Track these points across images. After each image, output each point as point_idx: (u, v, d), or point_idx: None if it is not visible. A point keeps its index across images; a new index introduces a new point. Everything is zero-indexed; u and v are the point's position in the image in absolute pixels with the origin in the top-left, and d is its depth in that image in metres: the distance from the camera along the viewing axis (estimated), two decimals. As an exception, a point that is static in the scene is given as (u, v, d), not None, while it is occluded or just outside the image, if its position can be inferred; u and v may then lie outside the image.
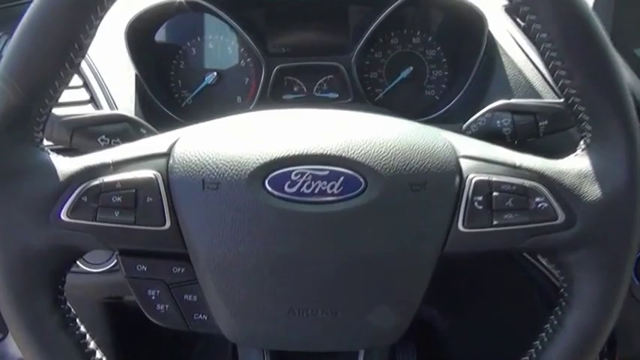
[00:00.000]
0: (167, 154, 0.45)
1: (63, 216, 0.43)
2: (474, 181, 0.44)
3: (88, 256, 0.71)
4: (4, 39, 0.85)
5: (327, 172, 0.43)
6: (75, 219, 0.43)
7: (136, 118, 0.59)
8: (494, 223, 0.44)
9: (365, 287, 0.44)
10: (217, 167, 0.43)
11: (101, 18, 0.45)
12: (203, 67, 0.84)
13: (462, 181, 0.44)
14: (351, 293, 0.45)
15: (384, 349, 0.56)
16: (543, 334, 0.47)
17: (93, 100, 0.71)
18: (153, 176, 0.44)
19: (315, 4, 0.82)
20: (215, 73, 0.83)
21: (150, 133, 0.58)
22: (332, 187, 0.43)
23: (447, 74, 0.83)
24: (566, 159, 0.46)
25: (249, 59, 0.83)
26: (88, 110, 0.70)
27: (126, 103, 0.72)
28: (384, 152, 0.43)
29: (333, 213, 0.42)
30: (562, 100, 0.47)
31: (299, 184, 0.42)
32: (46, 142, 0.47)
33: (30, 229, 0.43)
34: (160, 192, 0.44)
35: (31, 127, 0.45)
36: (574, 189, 0.44)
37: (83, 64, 0.73)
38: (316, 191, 0.42)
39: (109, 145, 0.55)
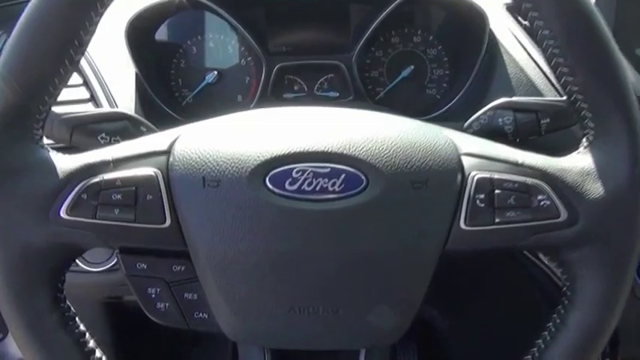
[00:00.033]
0: (167, 152, 0.45)
1: (62, 214, 0.43)
2: (475, 178, 0.44)
3: (88, 256, 0.71)
4: (4, 38, 0.85)
5: (329, 169, 0.42)
6: (75, 217, 0.43)
7: (136, 115, 0.59)
8: (497, 220, 0.43)
9: (366, 285, 0.44)
10: (218, 165, 0.43)
11: (101, 15, 0.44)
12: (203, 65, 0.84)
13: (464, 178, 0.44)
14: (352, 291, 0.44)
15: (386, 349, 0.56)
16: (546, 333, 0.47)
17: (93, 99, 0.71)
18: (153, 174, 0.44)
19: (316, 3, 0.82)
20: (215, 72, 0.83)
21: (150, 131, 0.58)
22: (333, 184, 0.42)
23: (448, 73, 0.83)
24: (568, 156, 0.46)
25: (249, 58, 0.83)
26: (88, 109, 0.70)
27: (126, 102, 0.72)
28: (386, 150, 0.43)
29: (335, 210, 0.42)
30: (564, 97, 0.47)
31: (300, 182, 0.42)
32: (46, 141, 0.47)
33: (29, 226, 0.43)
34: (160, 189, 0.43)
35: (31, 125, 0.44)
36: (576, 186, 0.44)
37: (83, 63, 0.73)
38: (317, 189, 0.42)
39: (109, 143, 0.55)
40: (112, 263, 0.71)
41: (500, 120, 0.57)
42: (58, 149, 0.46)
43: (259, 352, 0.55)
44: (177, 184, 0.43)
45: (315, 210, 0.42)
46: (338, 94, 0.83)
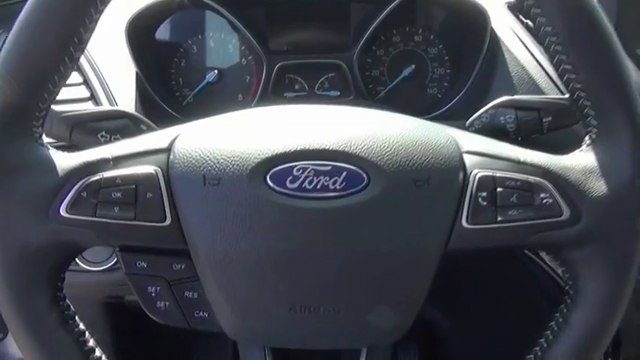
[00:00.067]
0: (167, 150, 0.44)
1: (62, 212, 0.43)
2: (477, 176, 0.43)
3: (87, 255, 0.71)
4: (4, 37, 0.85)
5: (330, 167, 0.42)
6: (74, 215, 0.43)
7: (136, 114, 0.59)
8: (499, 219, 0.43)
9: (368, 284, 0.44)
10: (218, 162, 0.43)
11: (101, 12, 0.44)
12: (204, 65, 0.84)
13: (466, 176, 0.44)
14: (353, 290, 0.44)
15: (387, 348, 0.56)
16: (548, 332, 0.47)
17: (93, 98, 0.71)
18: (153, 172, 0.43)
19: (317, 2, 0.82)
20: (216, 71, 0.83)
21: (150, 129, 0.58)
22: (334, 182, 0.42)
23: (449, 72, 0.83)
24: (571, 154, 0.46)
25: (250, 57, 0.83)
26: (89, 107, 0.70)
27: (126, 101, 0.72)
28: (387, 148, 0.43)
29: (336, 209, 0.42)
30: (566, 96, 0.47)
31: (301, 180, 0.42)
32: (46, 139, 0.46)
33: (29, 225, 0.43)
34: (161, 188, 0.43)
35: (30, 123, 0.44)
36: (579, 185, 0.43)
37: (83, 61, 0.73)
38: (318, 187, 0.42)
39: (109, 142, 0.54)
40: (112, 262, 0.71)
41: (502, 118, 0.57)
42: (58, 148, 0.46)
43: (260, 352, 0.54)
44: (177, 182, 0.43)
45: (316, 208, 0.42)
46: (339, 93, 0.82)
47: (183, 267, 0.46)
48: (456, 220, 0.43)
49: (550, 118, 0.56)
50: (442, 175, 0.43)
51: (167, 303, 0.47)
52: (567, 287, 0.46)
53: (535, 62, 0.73)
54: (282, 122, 0.46)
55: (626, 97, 0.43)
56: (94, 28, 0.44)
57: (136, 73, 0.75)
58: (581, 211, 0.43)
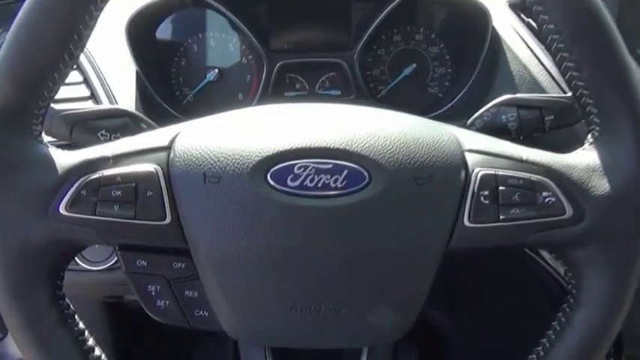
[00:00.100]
0: (168, 148, 0.44)
1: (62, 210, 0.43)
2: (479, 175, 0.43)
3: (87, 254, 0.71)
4: (4, 36, 0.84)
5: (331, 165, 0.42)
6: (74, 213, 0.43)
7: (136, 112, 0.59)
8: (501, 217, 0.43)
9: (369, 283, 0.44)
10: (219, 161, 0.42)
11: (101, 9, 0.44)
12: (204, 64, 0.83)
13: (468, 175, 0.43)
14: (354, 289, 0.44)
15: (388, 347, 0.55)
16: (551, 332, 0.46)
17: (93, 97, 0.71)
18: (153, 170, 0.43)
19: (318, 1, 0.82)
20: (216, 70, 0.82)
21: (150, 127, 0.58)
22: (335, 180, 0.42)
23: (451, 71, 0.83)
24: (573, 153, 0.45)
25: (250, 56, 0.83)
26: (89, 106, 0.69)
27: (126, 100, 0.72)
28: (389, 146, 0.43)
29: (337, 207, 0.42)
30: (568, 94, 0.46)
31: (302, 178, 0.42)
32: (46, 138, 0.46)
33: (28, 222, 0.43)
34: (161, 186, 0.43)
35: (30, 120, 0.44)
36: (582, 183, 0.43)
37: (83, 60, 0.72)
38: (319, 185, 0.42)
39: (109, 140, 0.54)
40: (112, 262, 0.71)
41: (503, 117, 0.57)
42: (58, 147, 0.46)
43: (260, 352, 0.54)
44: (177, 181, 0.43)
45: (317, 206, 0.42)
46: (339, 93, 0.82)
47: (183, 266, 0.46)
48: (458, 219, 0.43)
49: (552, 117, 0.56)
50: (444, 174, 0.43)
51: (167, 302, 0.47)
52: (570, 286, 0.46)
53: (537, 61, 0.72)
54: (283, 120, 0.45)
55: (630, 95, 0.43)
56: (94, 26, 0.44)
57: (136, 72, 0.75)
58: (584, 209, 0.43)
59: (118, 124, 0.56)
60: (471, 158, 0.44)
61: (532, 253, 0.72)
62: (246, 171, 0.42)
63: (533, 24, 0.75)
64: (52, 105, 0.51)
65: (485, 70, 0.75)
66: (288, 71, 0.82)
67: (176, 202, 0.43)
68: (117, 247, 0.47)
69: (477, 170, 0.43)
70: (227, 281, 0.44)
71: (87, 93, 0.71)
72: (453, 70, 0.82)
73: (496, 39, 0.75)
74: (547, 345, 0.46)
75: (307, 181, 0.42)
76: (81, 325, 0.46)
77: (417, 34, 0.82)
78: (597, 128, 0.45)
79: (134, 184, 0.43)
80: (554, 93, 0.70)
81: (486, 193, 0.43)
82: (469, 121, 0.59)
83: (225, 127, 0.45)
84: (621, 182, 0.43)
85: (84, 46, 0.44)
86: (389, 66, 0.83)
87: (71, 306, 0.46)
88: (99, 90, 0.71)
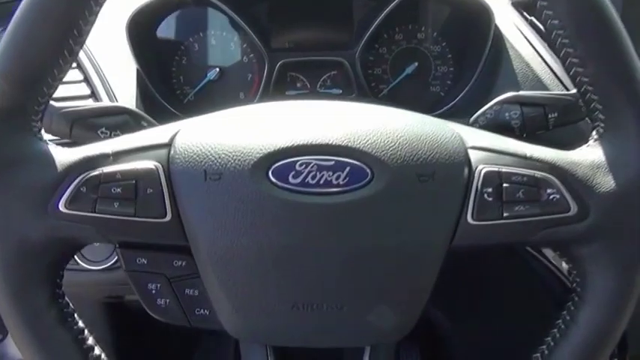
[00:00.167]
0: (168, 145, 0.44)
1: (61, 207, 0.42)
2: (483, 172, 0.43)
3: (87, 254, 0.70)
4: (2, 35, 0.84)
5: (333, 162, 0.42)
6: (73, 210, 0.42)
7: (136, 110, 0.58)
8: (505, 215, 0.42)
9: (371, 281, 0.43)
10: (220, 157, 0.42)
11: (101, 5, 0.43)
12: (205, 63, 0.83)
13: (471, 172, 0.43)
14: (357, 287, 0.43)
15: (390, 347, 0.55)
16: (555, 331, 0.46)
17: (94, 95, 0.71)
18: (153, 167, 0.43)
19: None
20: (217, 69, 0.82)
21: (151, 125, 0.57)
22: (338, 177, 0.41)
23: (453, 70, 0.82)
24: (578, 149, 0.45)
25: (251, 55, 0.83)
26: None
27: (127, 99, 0.72)
28: (391, 142, 0.42)
29: (339, 204, 0.41)
30: (572, 91, 0.46)
31: (304, 175, 0.41)
32: (46, 136, 0.46)
33: (27, 220, 0.42)
34: (161, 183, 0.43)
35: (29, 117, 0.44)
36: (587, 180, 0.43)
37: (84, 59, 0.72)
38: (321, 182, 0.41)
39: (109, 138, 0.53)
40: (112, 261, 0.70)
41: (507, 114, 0.56)
42: (58, 144, 0.45)
43: (262, 350, 0.54)
44: (178, 178, 0.43)
45: (319, 203, 0.41)
46: (341, 92, 0.82)
47: (183, 264, 0.46)
48: (461, 216, 0.43)
49: (556, 114, 0.56)
50: (447, 171, 0.42)
51: (167, 300, 0.47)
52: (574, 284, 0.46)
53: (539, 59, 0.72)
54: (285, 117, 0.45)
55: (635, 91, 0.42)
56: (93, 21, 0.44)
57: (137, 70, 0.74)
58: (589, 206, 0.43)
59: (119, 121, 0.56)
60: (474, 155, 0.44)
61: (534, 251, 0.72)
62: (248, 168, 0.41)
63: (536, 22, 0.75)
64: (51, 102, 0.50)
65: (487, 68, 0.75)
66: (289, 70, 0.82)
67: (176, 200, 0.43)
68: (117, 245, 0.47)
69: (480, 167, 0.43)
70: (228, 279, 0.43)
71: (87, 91, 0.71)
72: (455, 69, 0.82)
73: (498, 37, 0.74)
74: (552, 344, 0.46)
75: (309, 178, 0.41)
76: (80, 323, 0.46)
77: (418, 33, 0.82)
78: (602, 125, 0.44)
79: (134, 182, 0.42)
80: (557, 91, 0.70)
81: (490, 190, 0.42)
82: (472, 119, 0.58)
83: (226, 124, 0.45)
84: (626, 179, 0.43)
85: (84, 41, 0.44)
86: (391, 65, 0.82)
87: (70, 305, 0.46)
88: (99, 88, 0.71)
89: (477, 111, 0.59)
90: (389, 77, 0.83)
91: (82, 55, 0.72)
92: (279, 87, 0.81)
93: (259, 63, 0.82)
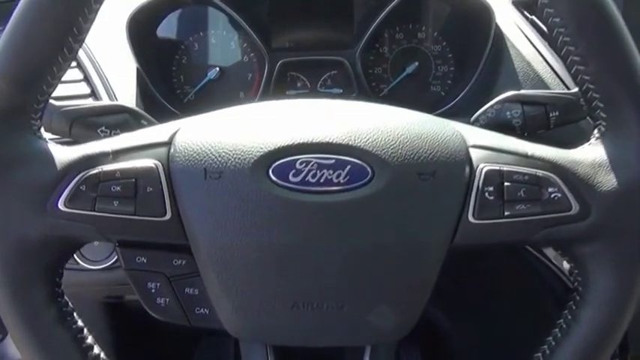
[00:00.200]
0: (168, 143, 0.44)
1: (60, 205, 0.42)
2: (484, 170, 0.43)
3: (87, 253, 0.70)
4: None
5: (333, 160, 0.41)
6: (73, 209, 0.42)
7: (136, 109, 0.58)
8: (506, 214, 0.42)
9: (372, 280, 0.43)
10: (220, 156, 0.42)
11: (101, 2, 0.43)
12: (206, 62, 0.83)
13: (472, 170, 0.43)
14: (357, 286, 0.43)
15: (391, 347, 0.55)
16: (556, 330, 0.46)
17: (94, 94, 0.71)
18: (153, 165, 0.43)
19: (319, -1, 0.81)
20: (218, 69, 0.82)
21: (151, 124, 0.57)
22: (338, 176, 0.41)
23: (453, 69, 0.82)
24: (579, 148, 0.45)
25: (252, 54, 0.82)
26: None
27: (127, 98, 0.72)
28: (392, 141, 0.42)
29: (340, 203, 0.41)
30: (573, 90, 0.46)
31: (304, 173, 0.41)
32: (46, 135, 0.46)
33: (26, 218, 0.42)
34: (161, 181, 0.42)
35: (29, 115, 0.44)
36: (588, 179, 0.43)
37: (84, 58, 0.72)
38: (322, 180, 0.41)
39: (109, 137, 0.53)
40: (112, 261, 0.70)
41: (508, 113, 0.56)
42: (57, 143, 0.45)
43: (262, 350, 0.54)
44: (178, 176, 0.42)
45: (319, 202, 0.41)
46: (341, 91, 0.82)
47: (183, 262, 0.46)
48: (462, 215, 0.42)
49: (557, 113, 0.56)
50: (448, 169, 0.42)
51: (167, 299, 0.47)
52: (576, 284, 0.45)
53: (540, 58, 0.72)
54: (285, 116, 0.45)
55: (636, 89, 0.42)
56: (93, 19, 0.44)
57: (137, 69, 0.74)
58: (591, 205, 0.42)
59: (118, 120, 0.56)
60: (475, 154, 0.43)
61: (535, 250, 0.72)
62: (248, 166, 0.41)
63: (537, 20, 0.75)
64: (51, 101, 0.50)
65: (488, 67, 0.75)
66: (289, 69, 0.81)
67: (176, 198, 0.42)
68: (116, 244, 0.47)
69: (481, 166, 0.43)
70: (228, 278, 0.43)
71: (87, 90, 0.71)
72: (456, 68, 0.82)
73: (499, 36, 0.74)
74: (553, 344, 0.46)
75: (309, 177, 0.41)
76: (79, 322, 0.46)
77: (419, 32, 0.82)
78: (603, 123, 0.44)
79: (134, 180, 0.42)
80: (558, 90, 0.69)
81: (491, 188, 0.42)
82: (473, 118, 0.58)
83: (227, 123, 0.45)
84: (628, 178, 0.43)
85: (83, 40, 0.44)
86: (391, 64, 0.82)
87: (70, 304, 0.46)
88: (99, 88, 0.71)
89: (477, 110, 0.59)
90: (389, 77, 0.82)
91: (81, 54, 0.72)
92: (280, 86, 0.81)
93: (259, 62, 0.82)
